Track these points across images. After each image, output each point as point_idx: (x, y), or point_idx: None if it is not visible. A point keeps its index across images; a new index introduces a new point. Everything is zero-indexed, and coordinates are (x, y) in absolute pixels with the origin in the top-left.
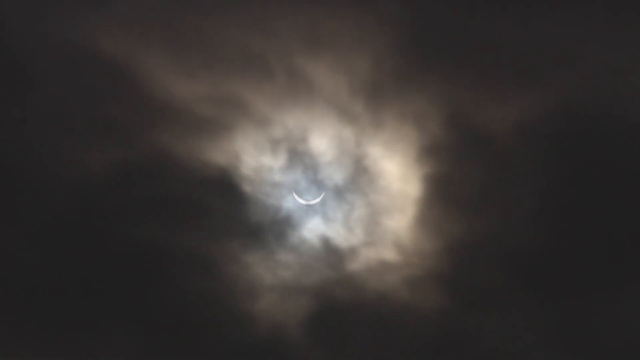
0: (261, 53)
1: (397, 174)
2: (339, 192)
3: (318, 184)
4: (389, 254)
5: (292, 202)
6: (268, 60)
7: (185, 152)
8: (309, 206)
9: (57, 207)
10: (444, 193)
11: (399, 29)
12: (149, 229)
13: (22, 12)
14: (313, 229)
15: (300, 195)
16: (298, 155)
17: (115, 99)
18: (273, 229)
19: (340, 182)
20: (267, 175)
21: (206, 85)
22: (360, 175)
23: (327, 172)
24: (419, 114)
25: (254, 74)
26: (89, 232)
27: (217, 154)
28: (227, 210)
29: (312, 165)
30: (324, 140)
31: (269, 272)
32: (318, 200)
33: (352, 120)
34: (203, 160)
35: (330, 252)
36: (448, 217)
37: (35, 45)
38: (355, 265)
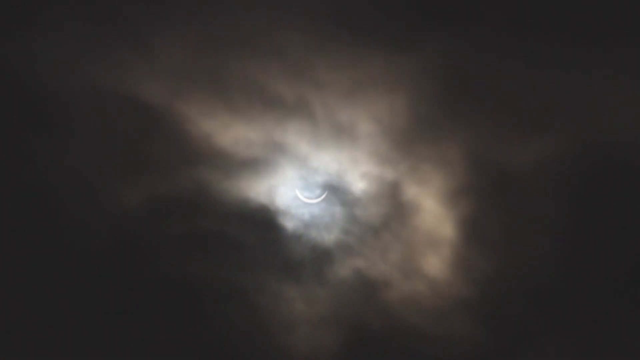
0: (302, 98)
1: (430, 213)
2: (375, 230)
3: (354, 220)
4: (422, 289)
5: (329, 236)
6: (309, 105)
7: (224, 188)
8: (345, 241)
9: (96, 240)
10: (473, 232)
11: (433, 76)
12: (186, 263)
13: (67, 58)
14: (349, 263)
15: (336, 230)
16: (335, 193)
17: (155, 139)
18: (310, 263)
19: (376, 220)
20: (305, 212)
21: (247, 128)
22: (395, 213)
23: (363, 210)
24: (449, 158)
25: (296, 118)
26: (127, 266)
27: (255, 190)
28: (264, 245)
29: (349, 203)
30: (360, 180)
31: (305, 304)
32: (353, 235)
33: (388, 162)
34: (241, 196)
35: (365, 286)
36: (477, 254)
37: (79, 88)
38: (389, 298)
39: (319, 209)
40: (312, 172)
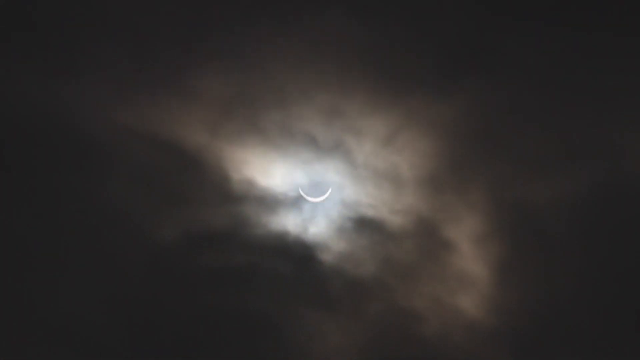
0: (339, 138)
1: (462, 251)
2: (410, 266)
3: (390, 256)
4: (455, 324)
5: (364, 270)
6: (347, 147)
7: (259, 222)
8: (380, 275)
9: (133, 272)
10: (502, 270)
11: (465, 122)
12: (221, 295)
13: (107, 100)
14: (384, 297)
15: (371, 264)
16: (371, 229)
17: (192, 177)
18: (345, 297)
19: (411, 257)
20: (341, 245)
21: (284, 167)
22: (428, 251)
23: (399, 246)
24: (478, 199)
25: (335, 159)
26: (162, 297)
27: (291, 223)
28: (300, 278)
29: (384, 239)
30: (396, 216)
31: (340, 338)
32: (388, 270)
33: (422, 201)
34: (277, 229)
35: (400, 320)
36: (506, 291)
37: (120, 130)
38: (423, 333)
39: (355, 244)
40: (348, 208)
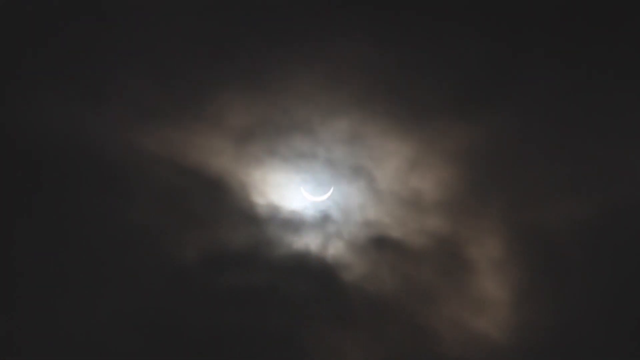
0: (360, 162)
1: (481, 273)
2: (430, 285)
3: (410, 275)
4: (474, 343)
5: (385, 289)
6: (367, 168)
7: (279, 242)
8: (400, 294)
9: (156, 290)
10: (520, 291)
11: (485, 148)
12: (242, 314)
13: (134, 125)
14: (404, 316)
15: (391, 283)
16: (392, 248)
17: (215, 198)
18: (368, 316)
19: (432, 277)
20: (361, 263)
21: (305, 192)
22: (449, 272)
23: (419, 266)
24: (498, 222)
25: (357, 182)
26: (184, 315)
27: (312, 243)
28: (321, 297)
29: (405, 258)
30: (417, 236)
31: (362, 356)
32: (408, 289)
33: (444, 223)
34: (299, 249)
35: (420, 338)
36: (524, 311)
37: (145, 154)
38: (444, 352)
39: (376, 264)
40: (369, 228)
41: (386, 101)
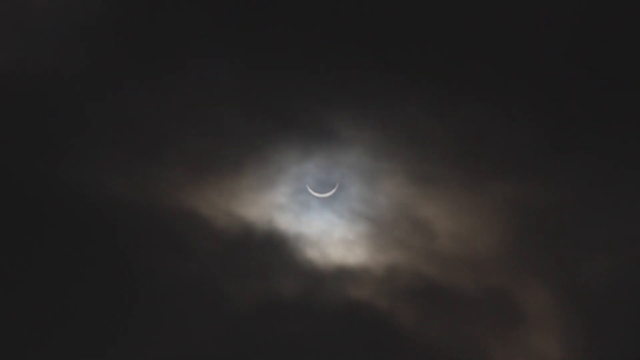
0: (416, 218)
1: (530, 323)
2: (484, 333)
3: (460, 325)
4: None
5: (435, 339)
6: (429, 226)
7: (331, 290)
8: (453, 343)
9: (209, 339)
10: (570, 347)
11: (528, 208)
12: None
13: (189, 186)
14: None
15: (442, 333)
16: (442, 299)
17: (266, 252)
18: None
19: (483, 325)
20: (412, 314)
21: (357, 246)
22: (497, 322)
23: (472, 313)
24: (547, 275)
25: (414, 239)
26: None
27: (360, 294)
28: (370, 345)
29: (454, 310)
30: (472, 284)
31: None
32: (461, 339)
33: (494, 276)
34: (348, 298)
35: None
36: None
37: (198, 211)
38: None
39: (426, 313)
40: (419, 280)
41: (442, 166)
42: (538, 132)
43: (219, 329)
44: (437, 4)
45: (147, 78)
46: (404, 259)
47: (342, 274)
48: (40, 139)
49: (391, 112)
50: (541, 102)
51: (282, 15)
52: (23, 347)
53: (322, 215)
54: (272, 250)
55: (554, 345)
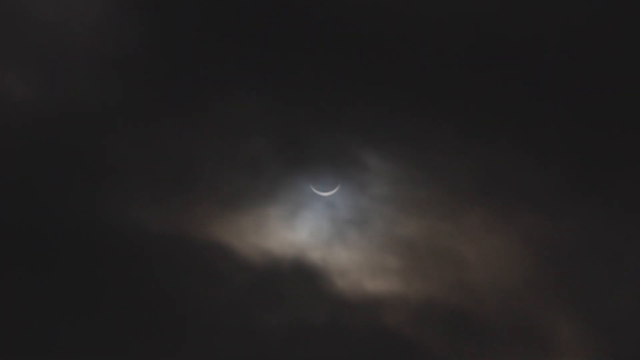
0: (449, 247)
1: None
2: None
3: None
4: None
5: None
6: (460, 253)
7: (358, 317)
8: None
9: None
10: None
11: (566, 241)
12: None
13: (220, 219)
14: None
15: None
16: (467, 327)
17: (296, 280)
18: None
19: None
20: (441, 343)
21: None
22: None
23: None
24: (574, 310)
25: (443, 270)
26: None
27: (392, 322)
28: None
29: (480, 339)
30: (493, 317)
31: None
32: None
33: (524, 306)
34: (377, 326)
35: None
36: None
37: (230, 243)
38: None
39: (454, 342)
40: (450, 312)
41: (470, 200)
42: (565, 170)
43: (249, 356)
44: (465, 52)
45: (178, 112)
46: (434, 289)
47: (372, 304)
48: (74, 176)
49: (422, 147)
50: (568, 141)
51: (314, 50)
52: None
53: (352, 246)
54: (301, 280)
55: None
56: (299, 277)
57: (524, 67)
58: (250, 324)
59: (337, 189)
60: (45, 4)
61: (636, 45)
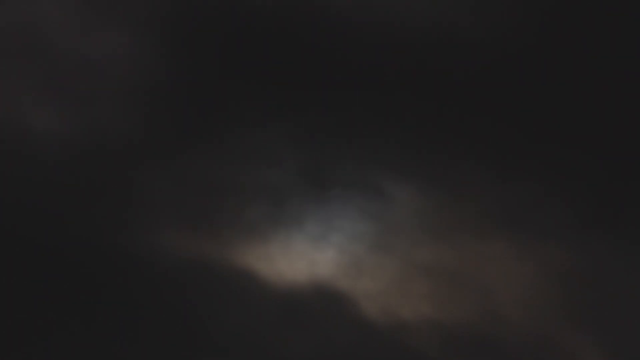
0: (477, 281)
1: None
2: None
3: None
4: None
5: None
6: (486, 279)
7: (386, 346)
8: None
9: None
10: None
11: (586, 272)
12: None
13: (250, 249)
14: None
15: None
16: (486, 351)
17: (323, 306)
18: None
19: None
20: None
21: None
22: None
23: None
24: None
25: (467, 296)
26: None
27: (416, 347)
28: None
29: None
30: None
31: None
32: None
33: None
34: (404, 352)
35: None
36: None
37: (253, 274)
38: None
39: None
40: (479, 349)
41: (502, 225)
42: (589, 205)
43: None
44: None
45: (204, 143)
46: (460, 314)
47: (398, 329)
48: (104, 208)
49: (448, 174)
50: (591, 176)
51: (337, 79)
52: None
53: (378, 271)
54: (327, 305)
55: None
56: (325, 303)
57: (549, 114)
58: (276, 350)
59: (361, 215)
60: (75, 40)
61: None
